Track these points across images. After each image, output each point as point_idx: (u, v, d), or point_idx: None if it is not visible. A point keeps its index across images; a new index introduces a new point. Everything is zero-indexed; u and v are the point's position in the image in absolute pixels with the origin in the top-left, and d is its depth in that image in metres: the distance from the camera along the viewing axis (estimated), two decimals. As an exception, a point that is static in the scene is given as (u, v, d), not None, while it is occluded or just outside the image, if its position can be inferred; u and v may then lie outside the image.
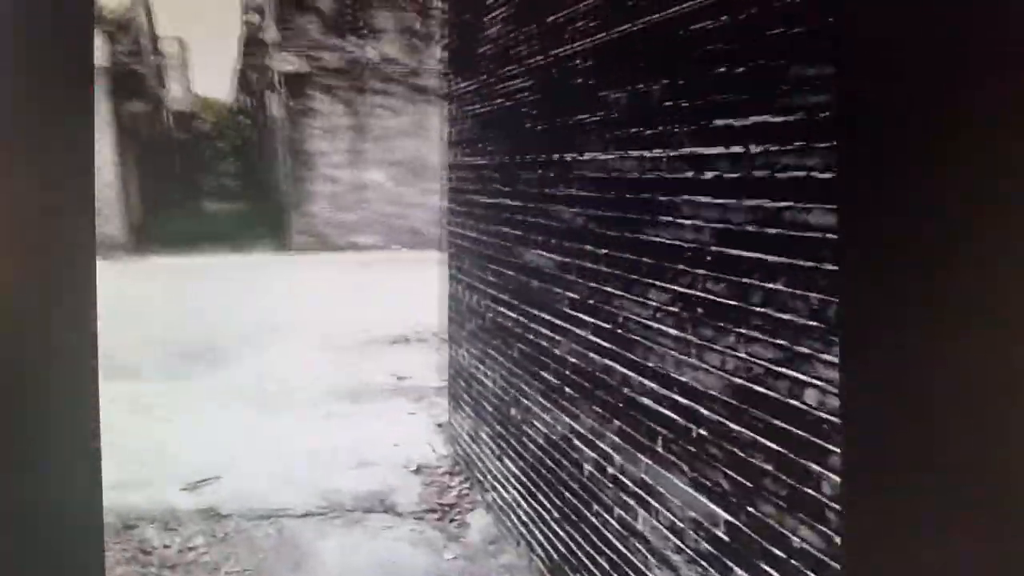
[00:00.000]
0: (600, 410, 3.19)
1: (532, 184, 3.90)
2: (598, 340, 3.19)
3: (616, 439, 3.07)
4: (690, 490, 2.61)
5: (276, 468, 5.43)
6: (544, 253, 3.75)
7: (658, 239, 2.77)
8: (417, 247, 18.37)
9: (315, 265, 16.16)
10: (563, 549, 3.55)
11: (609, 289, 3.09)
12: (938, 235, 1.92)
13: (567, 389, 3.49)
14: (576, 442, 3.41)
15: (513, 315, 4.21)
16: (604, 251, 3.13)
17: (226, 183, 33.23)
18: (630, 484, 2.98)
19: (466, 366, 5.21)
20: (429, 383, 7.42)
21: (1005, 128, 1.91)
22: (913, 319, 1.93)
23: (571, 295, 3.44)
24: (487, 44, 4.55)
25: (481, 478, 4.80)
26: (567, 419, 3.49)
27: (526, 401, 4.00)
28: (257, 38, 20.58)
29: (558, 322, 3.58)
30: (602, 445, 3.18)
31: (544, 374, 3.74)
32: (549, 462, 3.71)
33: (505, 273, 4.34)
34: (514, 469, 4.17)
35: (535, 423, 3.87)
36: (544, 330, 3.76)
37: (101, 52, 17.11)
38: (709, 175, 2.49)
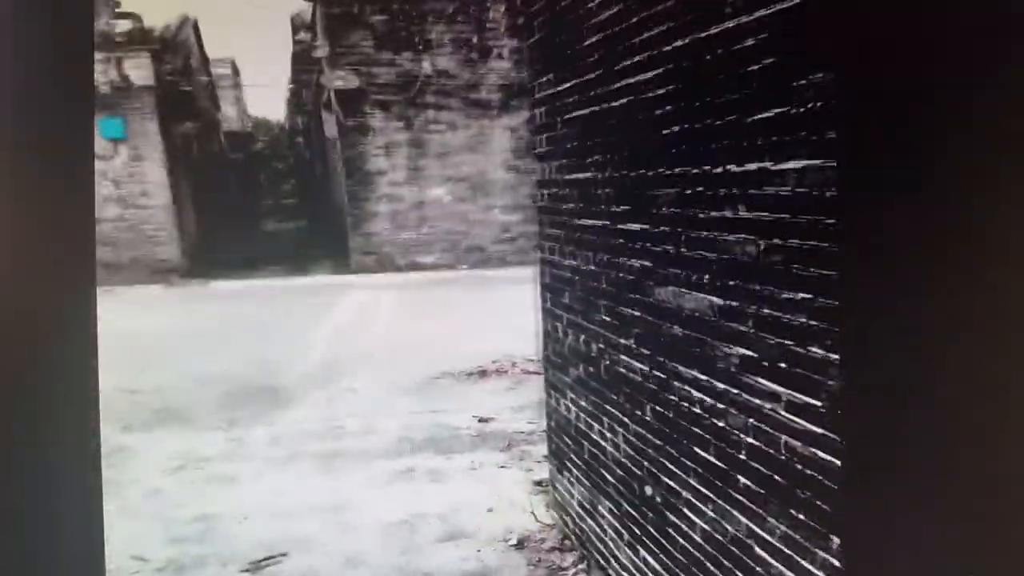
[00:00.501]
0: (803, 516, 2.29)
1: (669, 203, 3.03)
2: (797, 419, 2.30)
3: (827, 556, 2.18)
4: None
5: (351, 541, 4.62)
6: (691, 292, 2.88)
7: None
8: (479, 266, 17.61)
9: (378, 287, 15.46)
10: None
11: (814, 351, 2.19)
12: (939, 234, 1.91)
13: (742, 479, 2.60)
14: (760, 552, 2.52)
15: (643, 367, 3.34)
16: (801, 294, 2.24)
17: (284, 204, 32.88)
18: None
19: (571, 419, 4.35)
20: (516, 426, 6.58)
21: (1007, 126, 1.89)
22: (913, 318, 1.92)
23: (744, 352, 2.55)
24: (595, 32, 3.69)
25: (603, 563, 3.93)
26: (745, 520, 2.60)
27: (671, 483, 3.12)
28: (309, 56, 20.00)
29: (722, 386, 2.70)
30: (804, 563, 2.29)
31: (702, 453, 2.86)
32: (714, 569, 2.82)
33: (628, 313, 3.48)
34: (657, 567, 3.29)
35: (689, 514, 2.99)
36: (697, 393, 2.88)
37: (147, 71, 16.68)
38: None
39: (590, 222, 3.90)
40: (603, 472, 3.89)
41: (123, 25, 16.74)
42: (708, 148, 2.69)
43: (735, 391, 2.62)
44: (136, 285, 16.02)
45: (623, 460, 3.62)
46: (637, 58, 3.21)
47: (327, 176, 23.71)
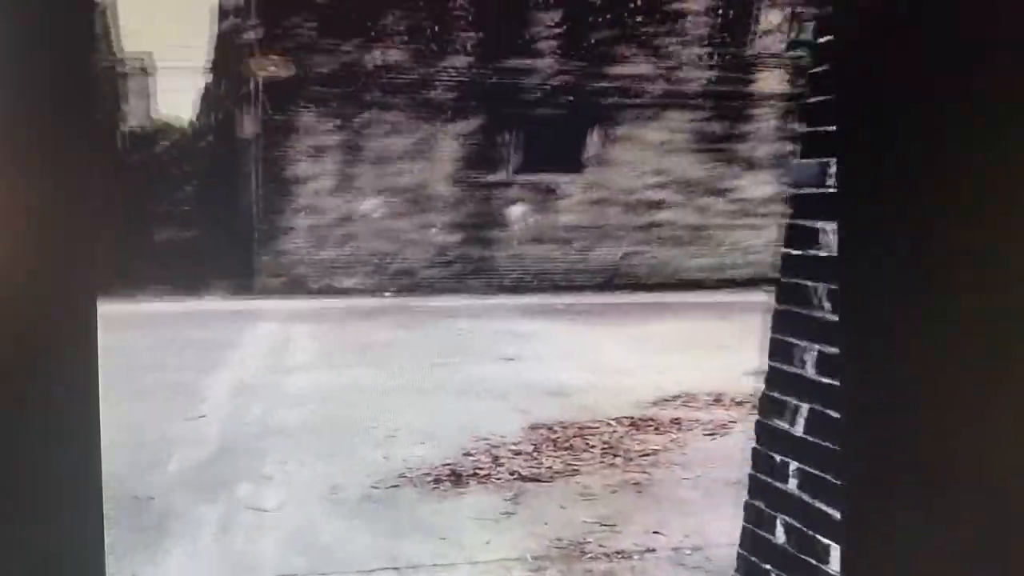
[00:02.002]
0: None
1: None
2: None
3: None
4: None
5: None
6: None
7: None
8: (406, 292, 14.88)
9: (287, 317, 12.53)
10: None
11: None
12: (939, 234, 1.80)
13: None
14: None
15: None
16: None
17: (179, 211, 29.30)
18: None
19: None
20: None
21: (1006, 127, 1.69)
22: (914, 318, 1.83)
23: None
24: None
25: None
26: None
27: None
28: (235, 41, 16.90)
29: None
30: None
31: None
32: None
33: None
34: None
35: None
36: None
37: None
38: None
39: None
40: None
41: None
42: None
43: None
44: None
45: None
46: None
47: (237, 181, 20.54)
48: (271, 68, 14.28)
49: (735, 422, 6.79)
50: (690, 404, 7.48)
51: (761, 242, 15.81)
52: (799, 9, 16.14)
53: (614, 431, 6.66)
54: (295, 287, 14.86)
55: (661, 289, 15.41)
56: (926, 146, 1.81)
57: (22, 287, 1.42)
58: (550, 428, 6.71)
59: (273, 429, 6.75)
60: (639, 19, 16.02)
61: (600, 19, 15.92)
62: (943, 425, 1.83)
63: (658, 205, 16.06)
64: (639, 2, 16.01)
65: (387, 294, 15.03)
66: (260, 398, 7.77)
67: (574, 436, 6.52)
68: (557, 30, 15.65)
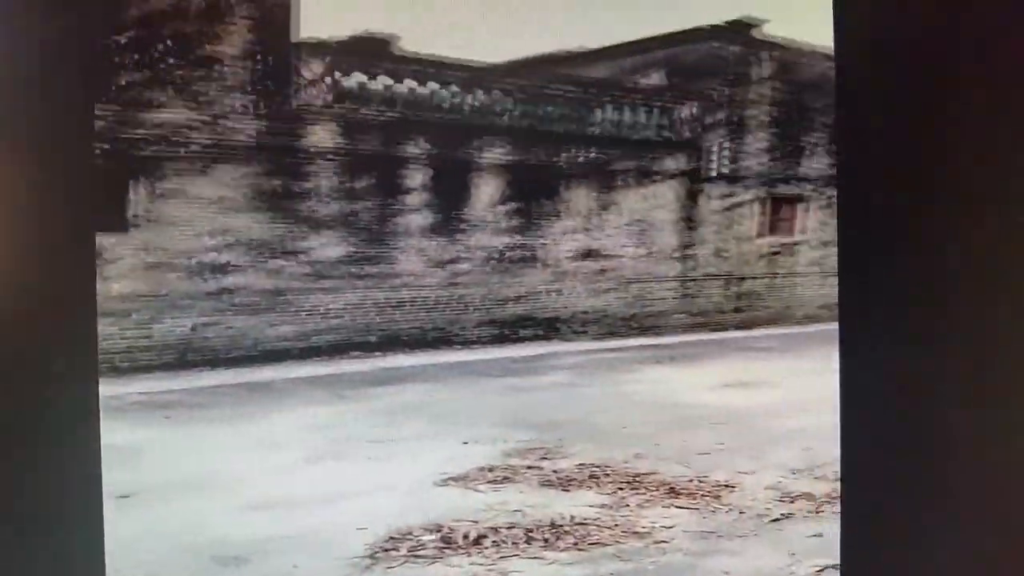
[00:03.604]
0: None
1: None
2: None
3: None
4: None
5: None
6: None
7: None
8: None
9: None
10: None
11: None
12: (938, 236, 1.91)
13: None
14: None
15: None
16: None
17: None
18: None
19: None
20: None
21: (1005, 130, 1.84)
22: (915, 318, 1.95)
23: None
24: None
25: None
26: None
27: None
28: None
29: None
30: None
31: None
32: None
33: None
34: None
35: None
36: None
37: None
38: None
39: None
40: None
41: None
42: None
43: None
44: None
45: None
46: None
47: None
48: None
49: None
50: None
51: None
52: (336, 60, 15.61)
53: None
54: None
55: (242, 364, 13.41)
56: (926, 150, 1.89)
57: (22, 287, 1.42)
58: None
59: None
60: (171, 61, 14.16)
61: (127, 60, 13.75)
62: (943, 425, 1.91)
63: (223, 269, 14.06)
64: (169, 43, 14.17)
65: None
66: None
67: None
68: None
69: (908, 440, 1.91)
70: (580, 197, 17.54)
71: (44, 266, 1.45)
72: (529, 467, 7.34)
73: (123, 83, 13.77)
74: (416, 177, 16.02)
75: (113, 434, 8.77)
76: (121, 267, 13.24)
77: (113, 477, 5.82)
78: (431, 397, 11.27)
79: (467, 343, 15.97)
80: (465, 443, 8.25)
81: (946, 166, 1.87)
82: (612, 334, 17.14)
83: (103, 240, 12.97)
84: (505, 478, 7.01)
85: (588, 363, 13.75)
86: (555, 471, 7.20)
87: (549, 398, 11.04)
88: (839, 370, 1.95)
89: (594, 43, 20.57)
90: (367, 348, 14.92)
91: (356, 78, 15.50)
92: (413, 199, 15.94)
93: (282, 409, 10.36)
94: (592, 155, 17.71)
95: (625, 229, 18.00)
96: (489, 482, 6.93)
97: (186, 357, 13.42)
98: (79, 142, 1.55)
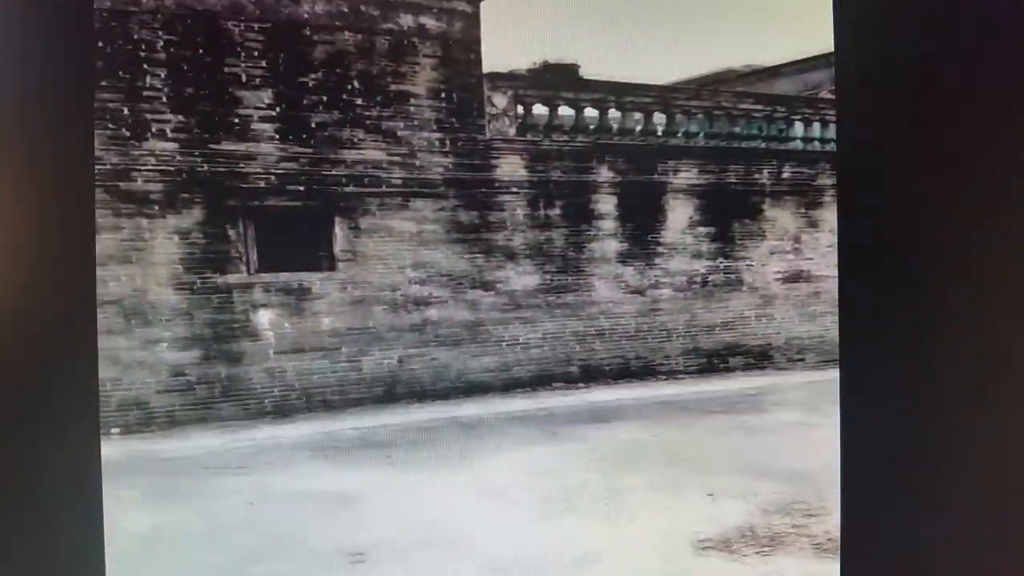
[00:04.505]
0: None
1: None
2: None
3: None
4: None
5: None
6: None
7: None
8: (139, 430, 11.37)
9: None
10: None
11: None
12: (937, 241, 1.96)
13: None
14: None
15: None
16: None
17: None
18: None
19: None
20: None
21: (1007, 131, 1.92)
22: (913, 323, 2.02)
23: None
24: None
25: None
26: None
27: None
28: None
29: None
30: None
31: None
32: None
33: None
34: None
35: None
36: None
37: None
38: None
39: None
40: None
41: None
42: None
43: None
44: None
45: None
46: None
47: None
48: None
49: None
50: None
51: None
52: (522, 92, 15.42)
53: None
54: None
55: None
56: (925, 153, 1.97)
57: (22, 288, 1.47)
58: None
59: None
60: (360, 101, 14.25)
61: (318, 100, 13.93)
62: (943, 426, 2.02)
63: (425, 301, 14.03)
64: (358, 84, 14.27)
65: (114, 432, 11.20)
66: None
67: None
68: (271, 112, 13.35)
69: (908, 440, 1.99)
70: (785, 216, 16.64)
71: (46, 266, 1.44)
72: (795, 527, 6.61)
73: (314, 124, 14.02)
74: (608, 202, 15.60)
75: (336, 474, 8.66)
76: (330, 303, 13.43)
77: (342, 531, 5.41)
78: (650, 436, 10.68)
79: (672, 373, 15.33)
80: (710, 495, 7.61)
81: (946, 166, 1.93)
82: (831, 362, 16.11)
83: (309, 277, 13.20)
84: (772, 541, 6.32)
85: (812, 397, 12.81)
86: (826, 532, 6.45)
87: (782, 441, 10.22)
88: (839, 370, 1.99)
89: (758, 61, 19.92)
90: (569, 380, 14.56)
91: (542, 107, 15.31)
92: (607, 224, 15.52)
93: (499, 450, 10.04)
94: (793, 171, 16.79)
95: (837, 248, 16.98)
96: (753, 546, 6.27)
97: (394, 390, 13.46)
98: (79, 158, 1.55)
